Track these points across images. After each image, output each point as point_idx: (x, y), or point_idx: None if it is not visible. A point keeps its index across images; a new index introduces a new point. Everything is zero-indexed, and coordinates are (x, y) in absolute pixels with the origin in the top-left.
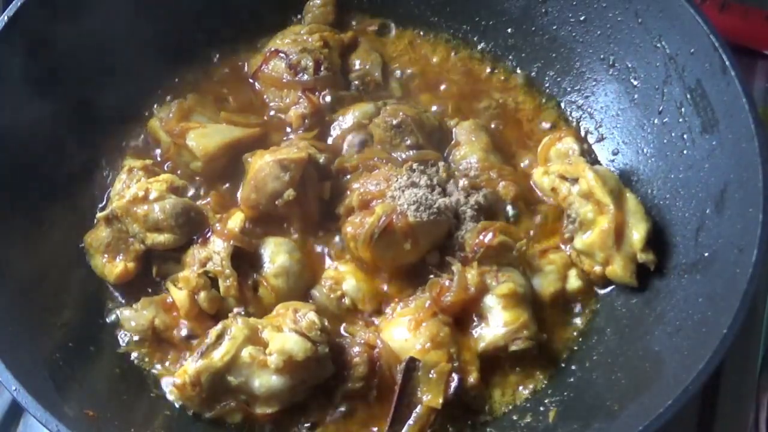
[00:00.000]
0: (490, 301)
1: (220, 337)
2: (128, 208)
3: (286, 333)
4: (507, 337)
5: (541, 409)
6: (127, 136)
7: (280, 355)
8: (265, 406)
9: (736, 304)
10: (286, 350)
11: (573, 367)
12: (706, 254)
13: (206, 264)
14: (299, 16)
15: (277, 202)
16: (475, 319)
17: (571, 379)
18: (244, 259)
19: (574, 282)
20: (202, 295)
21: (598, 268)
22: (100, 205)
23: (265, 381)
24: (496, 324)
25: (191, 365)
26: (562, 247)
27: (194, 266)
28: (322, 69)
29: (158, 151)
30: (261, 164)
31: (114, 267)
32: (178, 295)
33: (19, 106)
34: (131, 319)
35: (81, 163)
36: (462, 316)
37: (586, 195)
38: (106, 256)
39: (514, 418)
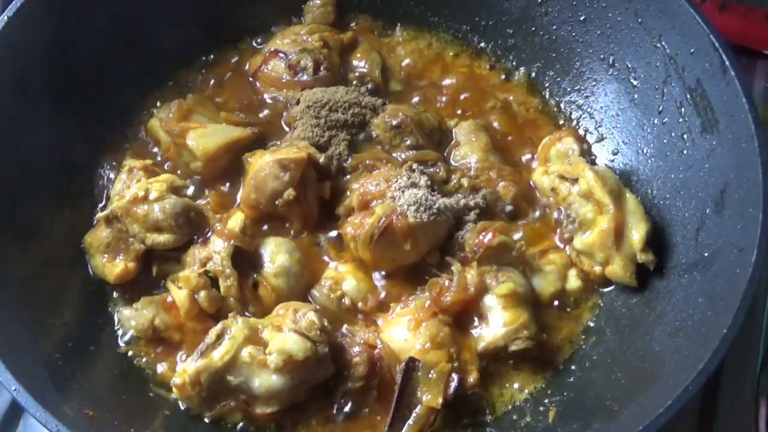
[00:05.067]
0: (490, 301)
1: (219, 337)
2: (128, 208)
3: (286, 333)
4: (507, 337)
5: (541, 409)
6: (127, 136)
7: (280, 355)
8: (265, 405)
9: (736, 304)
10: (286, 350)
11: (573, 367)
12: (706, 254)
13: (206, 264)
14: (300, 17)
15: (277, 202)
16: (475, 319)
17: (571, 379)
18: (245, 259)
19: (573, 282)
20: (203, 294)
21: (597, 268)
22: (100, 205)
23: (265, 381)
24: (496, 324)
25: (191, 365)
26: (562, 247)
27: (194, 266)
28: (321, 69)
29: (158, 151)
30: (261, 164)
31: (114, 267)
32: (178, 294)
33: (18, 107)
34: (131, 318)
35: (81, 164)
36: (462, 316)
37: (586, 195)
38: (106, 256)
39: (514, 418)
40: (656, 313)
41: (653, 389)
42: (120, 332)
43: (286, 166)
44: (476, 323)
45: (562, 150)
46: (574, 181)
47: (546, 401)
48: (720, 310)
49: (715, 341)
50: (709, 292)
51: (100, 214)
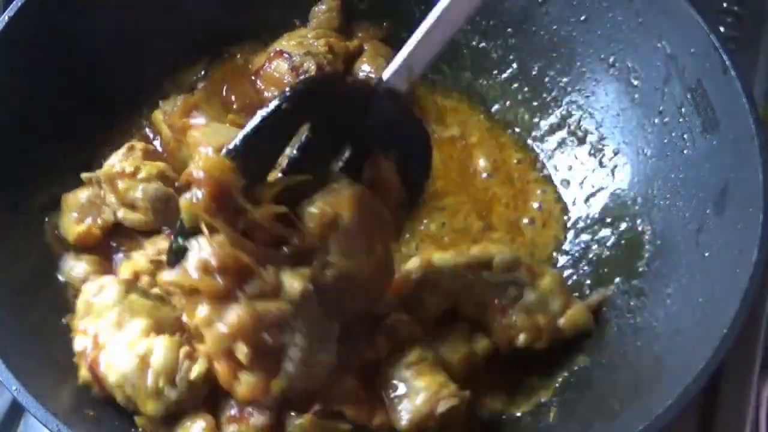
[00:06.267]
0: (402, 373)
1: None
2: (113, 178)
3: None
4: (431, 401)
5: (542, 409)
6: (133, 127)
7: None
8: None
9: (736, 304)
10: None
11: (573, 367)
12: (706, 254)
13: (161, 254)
14: (303, 21)
15: None
16: (393, 396)
17: (572, 379)
18: None
19: (481, 342)
20: (144, 279)
21: (560, 321)
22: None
23: None
24: (415, 393)
25: None
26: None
27: (150, 251)
28: None
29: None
30: None
31: (77, 226)
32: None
33: (21, 106)
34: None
35: (82, 164)
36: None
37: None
38: (75, 215)
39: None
40: (656, 313)
41: (654, 389)
42: None
43: None
44: (395, 400)
45: None
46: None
47: (546, 401)
48: (720, 310)
49: (715, 341)
50: (709, 292)
51: (84, 174)
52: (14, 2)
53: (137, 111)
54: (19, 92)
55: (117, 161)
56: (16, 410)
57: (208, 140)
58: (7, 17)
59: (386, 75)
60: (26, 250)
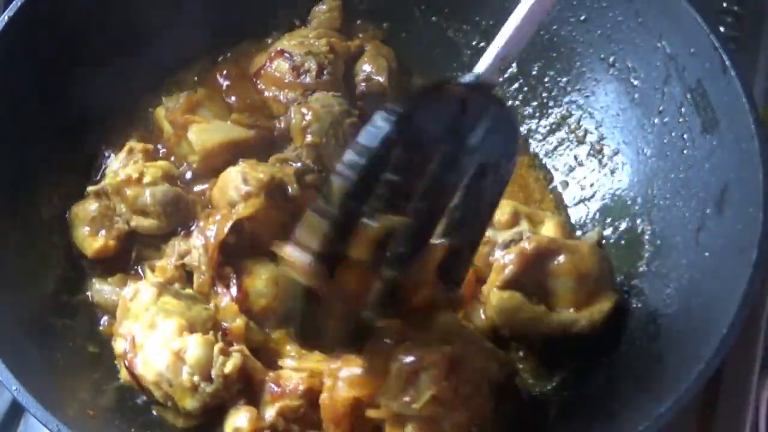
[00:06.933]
0: None
1: None
2: (120, 187)
3: None
4: None
5: (541, 408)
6: (131, 125)
7: None
8: None
9: (736, 304)
10: None
11: (573, 367)
12: (706, 254)
13: (184, 257)
14: (303, 21)
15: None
16: None
17: (572, 379)
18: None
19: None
20: (176, 286)
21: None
22: (95, 179)
23: None
24: None
25: None
26: None
27: (172, 258)
28: (324, 73)
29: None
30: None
31: (94, 241)
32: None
33: (23, 105)
34: (102, 290)
35: (82, 162)
36: None
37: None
38: (88, 228)
39: None
40: (656, 313)
41: (654, 389)
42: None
43: (246, 180)
44: None
45: None
46: None
47: (546, 400)
48: (720, 310)
49: (715, 341)
50: (710, 292)
51: (90, 188)
52: (14, 2)
53: (137, 110)
54: (20, 91)
55: (119, 167)
56: (16, 410)
57: (209, 137)
58: (7, 17)
59: (481, 69)
60: (26, 247)
